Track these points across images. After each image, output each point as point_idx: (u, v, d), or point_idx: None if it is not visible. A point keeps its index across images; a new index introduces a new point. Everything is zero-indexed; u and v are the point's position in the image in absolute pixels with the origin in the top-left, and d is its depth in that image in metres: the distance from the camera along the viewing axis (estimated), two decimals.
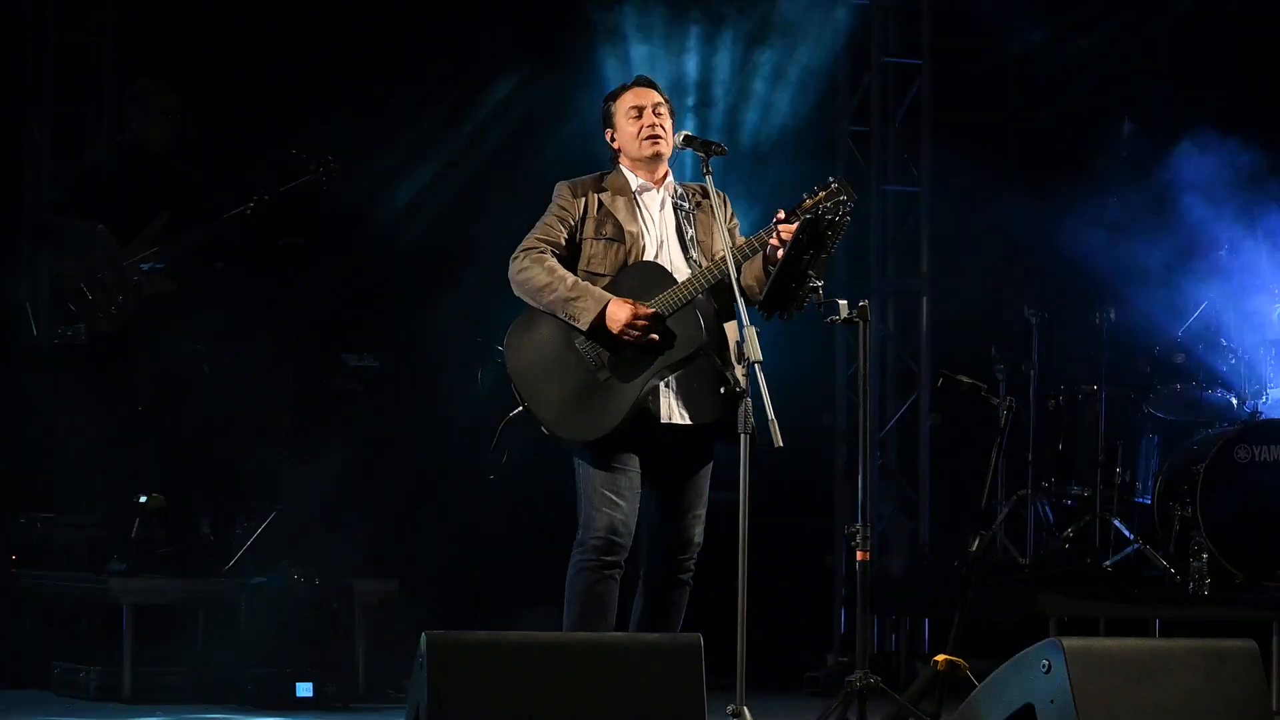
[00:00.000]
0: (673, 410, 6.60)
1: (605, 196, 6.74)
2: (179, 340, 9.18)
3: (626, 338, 6.50)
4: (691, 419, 6.61)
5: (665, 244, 6.73)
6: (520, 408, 6.61)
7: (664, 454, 6.64)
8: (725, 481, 6.60)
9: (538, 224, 6.73)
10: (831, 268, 6.42)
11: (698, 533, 6.70)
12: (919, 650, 10.60)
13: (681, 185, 6.84)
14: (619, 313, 6.51)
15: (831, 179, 6.41)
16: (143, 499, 8.90)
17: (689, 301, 6.54)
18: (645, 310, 6.50)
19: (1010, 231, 11.02)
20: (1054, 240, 10.64)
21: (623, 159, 6.82)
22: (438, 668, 5.58)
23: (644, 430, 6.57)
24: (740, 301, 6.32)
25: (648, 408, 6.56)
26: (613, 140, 6.83)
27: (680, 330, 6.55)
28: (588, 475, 6.60)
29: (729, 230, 6.75)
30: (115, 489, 9.28)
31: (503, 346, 6.65)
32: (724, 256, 6.46)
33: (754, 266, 6.57)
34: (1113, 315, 9.64)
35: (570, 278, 6.57)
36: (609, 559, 6.55)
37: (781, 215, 6.52)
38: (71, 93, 10.57)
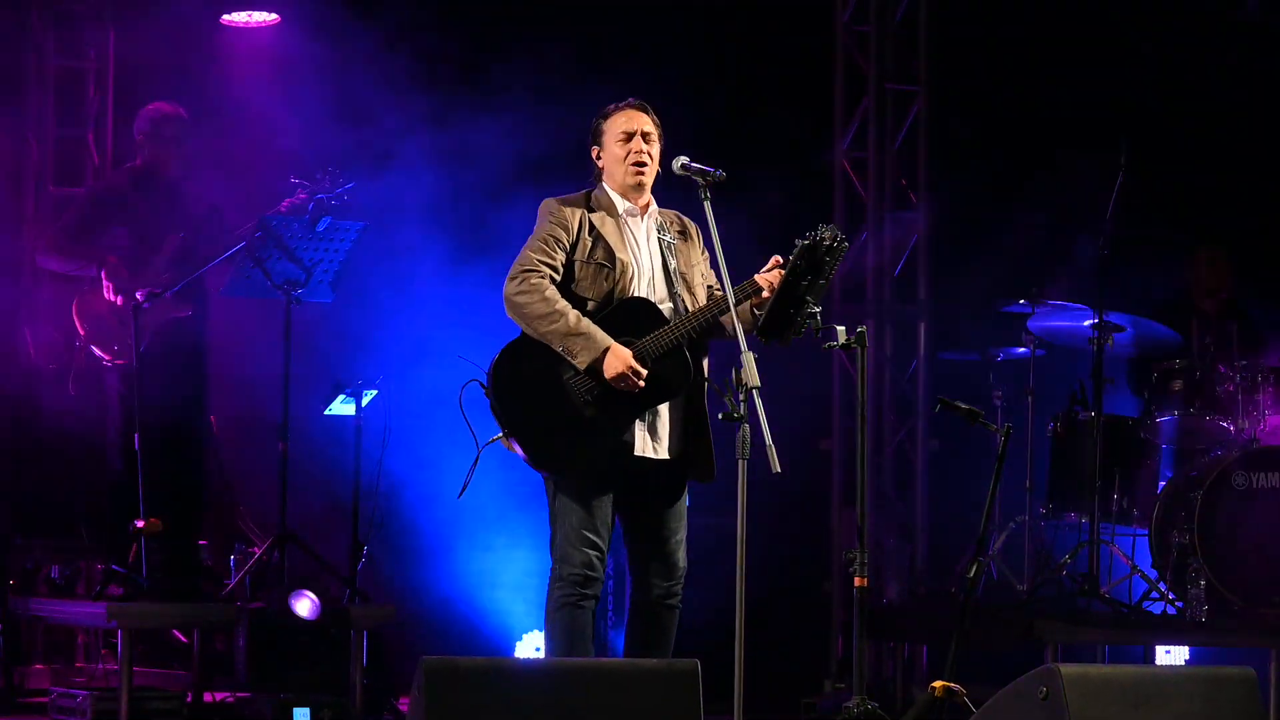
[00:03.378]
0: (646, 443, 6.67)
1: (595, 218, 6.76)
2: (186, 366, 9.20)
3: (617, 386, 6.54)
4: (664, 454, 6.70)
5: (653, 276, 6.76)
6: (499, 435, 6.64)
7: (640, 485, 6.70)
8: (723, 507, 6.62)
9: (533, 243, 6.73)
10: (829, 293, 6.43)
11: (682, 556, 6.78)
12: (916, 676, 10.58)
13: (661, 212, 6.88)
14: (616, 364, 6.55)
15: (824, 226, 6.42)
16: (139, 523, 8.89)
17: (678, 343, 6.59)
18: (641, 369, 6.53)
19: (1008, 257, 11.03)
20: (1053, 266, 10.64)
21: (606, 179, 6.84)
22: (436, 693, 5.58)
23: (619, 461, 6.61)
24: (739, 326, 6.35)
25: (625, 438, 6.61)
26: (598, 159, 6.85)
27: (669, 372, 6.62)
28: (565, 510, 6.68)
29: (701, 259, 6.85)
30: (112, 513, 9.27)
31: (488, 373, 6.67)
32: (720, 295, 6.54)
33: (742, 311, 6.61)
34: (1111, 342, 9.63)
35: (572, 314, 6.59)
36: (588, 592, 6.69)
37: (778, 260, 6.56)
38: (71, 118, 10.57)
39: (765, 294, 6.58)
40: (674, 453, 6.72)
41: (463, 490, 6.78)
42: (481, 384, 6.66)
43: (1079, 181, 10.62)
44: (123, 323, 9.01)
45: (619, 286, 6.70)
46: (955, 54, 11.52)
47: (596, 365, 6.57)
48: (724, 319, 6.65)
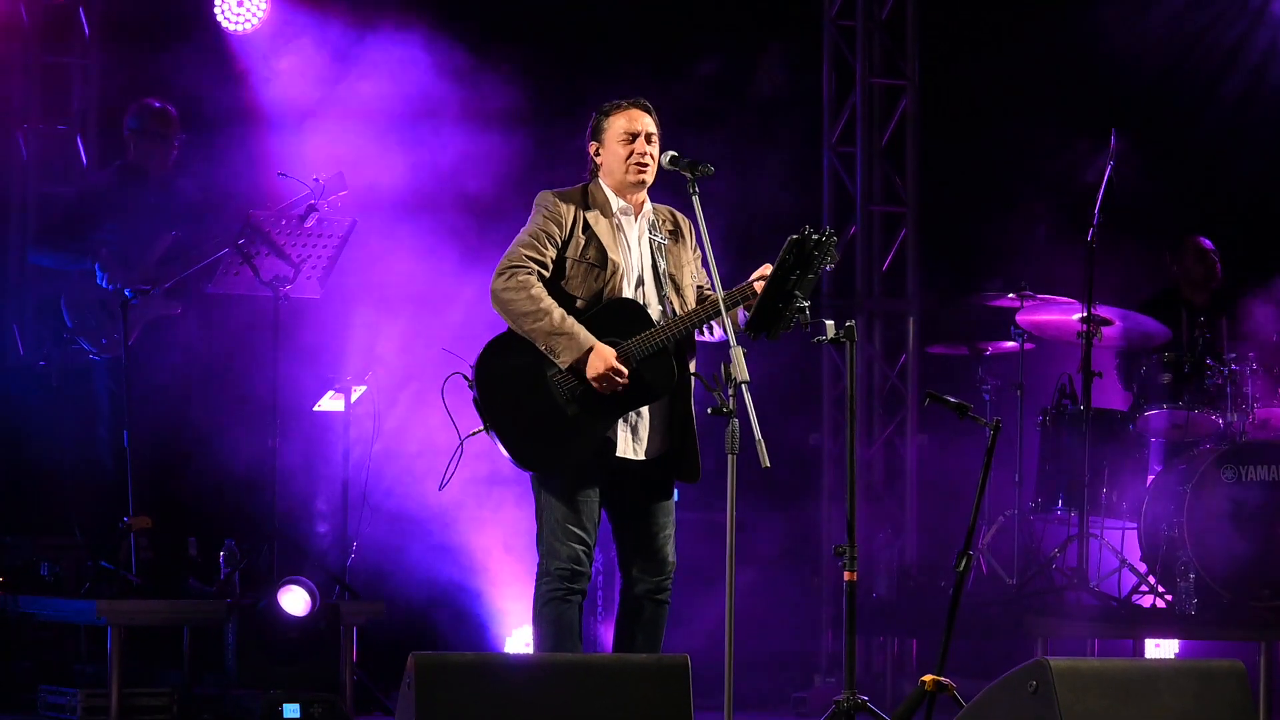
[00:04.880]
0: (628, 444, 6.67)
1: (590, 216, 6.74)
2: (175, 362, 9.19)
3: (598, 386, 6.54)
4: (644, 454, 6.68)
5: (642, 278, 6.76)
6: (481, 428, 6.63)
7: (625, 483, 6.70)
8: (712, 502, 6.63)
9: (524, 236, 6.71)
10: (819, 288, 6.43)
11: (670, 551, 6.78)
12: (906, 671, 10.60)
13: (653, 209, 6.86)
14: (598, 364, 6.54)
15: (829, 230, 6.42)
16: (128, 520, 8.88)
17: (664, 346, 6.59)
18: (623, 369, 6.53)
19: (996, 250, 11.04)
20: (1040, 260, 10.65)
21: (605, 177, 6.82)
22: (426, 689, 5.58)
23: (602, 458, 6.62)
24: (728, 322, 6.35)
25: (608, 437, 6.62)
26: (597, 154, 6.83)
27: (652, 374, 6.61)
28: (549, 505, 6.68)
29: (694, 261, 6.84)
30: (101, 510, 9.26)
31: (473, 366, 6.67)
32: (711, 298, 6.53)
33: (732, 315, 6.60)
34: (1100, 335, 9.64)
35: (557, 312, 6.58)
36: (575, 586, 6.69)
37: (767, 271, 6.55)
38: (57, 115, 10.55)
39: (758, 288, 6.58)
40: (655, 453, 6.71)
41: (443, 483, 6.78)
42: (465, 377, 6.66)
43: (1068, 173, 10.65)
44: (111, 316, 9.01)
45: (609, 287, 6.69)
46: (943, 48, 11.53)
47: (579, 365, 6.56)
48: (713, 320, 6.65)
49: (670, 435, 6.72)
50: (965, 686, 6.64)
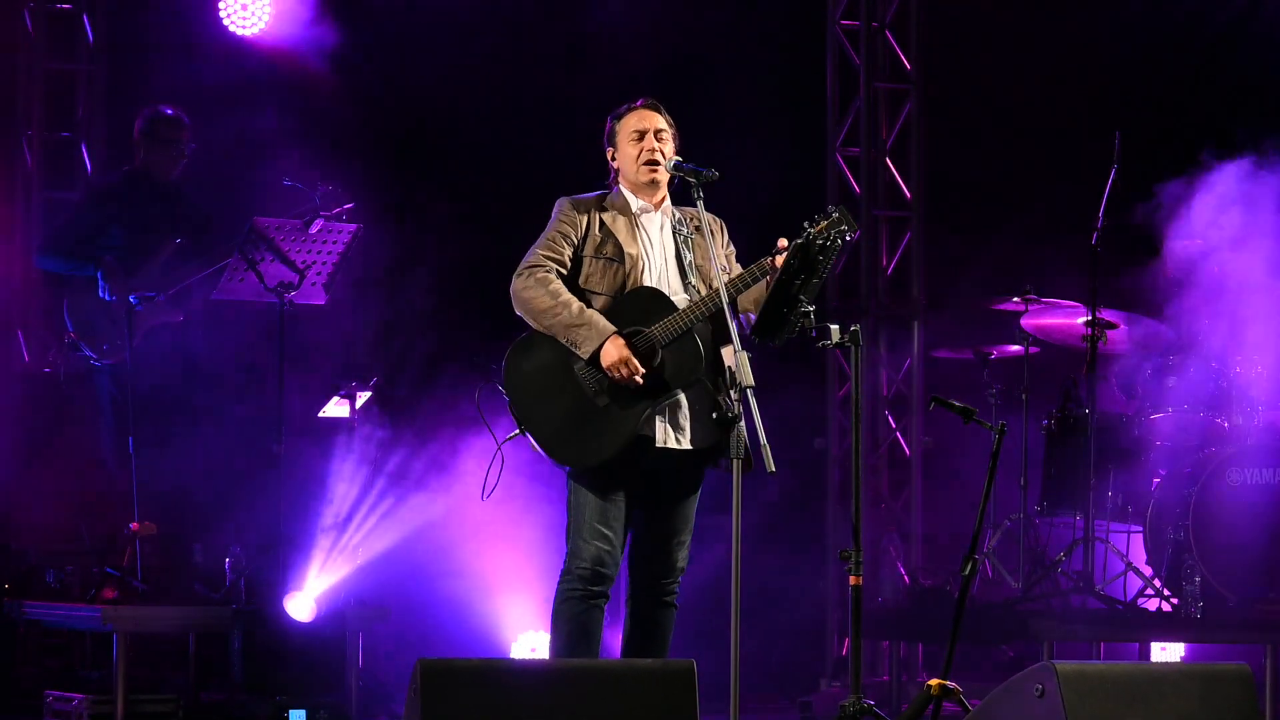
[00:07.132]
0: (669, 435, 6.63)
1: (606, 216, 6.77)
2: (179, 368, 9.20)
3: (613, 377, 6.53)
4: (691, 444, 6.65)
5: (664, 268, 6.75)
6: (516, 431, 6.63)
7: (656, 478, 6.68)
8: (718, 506, 6.61)
9: (541, 240, 6.76)
10: (823, 292, 6.42)
11: (682, 557, 6.77)
12: (912, 675, 10.59)
13: (679, 210, 6.87)
14: (611, 352, 6.53)
15: (833, 208, 6.41)
16: (134, 526, 8.89)
17: (689, 329, 6.57)
18: (638, 365, 6.52)
19: (1002, 254, 11.04)
20: (1045, 263, 10.65)
21: (622, 180, 6.85)
22: (432, 694, 5.58)
23: (639, 454, 6.60)
24: (734, 327, 6.33)
25: (644, 431, 6.59)
26: (613, 159, 6.86)
27: (680, 359, 6.58)
28: (580, 502, 6.66)
29: (725, 256, 6.81)
30: (106, 516, 9.26)
31: (501, 366, 6.67)
32: (738, 275, 6.54)
33: (755, 292, 6.59)
34: (1105, 338, 9.63)
35: (575, 304, 6.60)
36: (595, 589, 6.66)
37: (784, 243, 6.53)
38: (61, 121, 10.57)
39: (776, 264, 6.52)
40: (698, 442, 6.69)
41: (488, 490, 6.75)
42: (498, 386, 6.66)
43: (1073, 177, 10.64)
44: (113, 321, 9.02)
45: (630, 280, 6.70)
46: (947, 51, 11.53)
47: (600, 353, 6.56)
48: (742, 298, 6.60)
49: (717, 427, 6.64)
50: (971, 690, 6.64)
